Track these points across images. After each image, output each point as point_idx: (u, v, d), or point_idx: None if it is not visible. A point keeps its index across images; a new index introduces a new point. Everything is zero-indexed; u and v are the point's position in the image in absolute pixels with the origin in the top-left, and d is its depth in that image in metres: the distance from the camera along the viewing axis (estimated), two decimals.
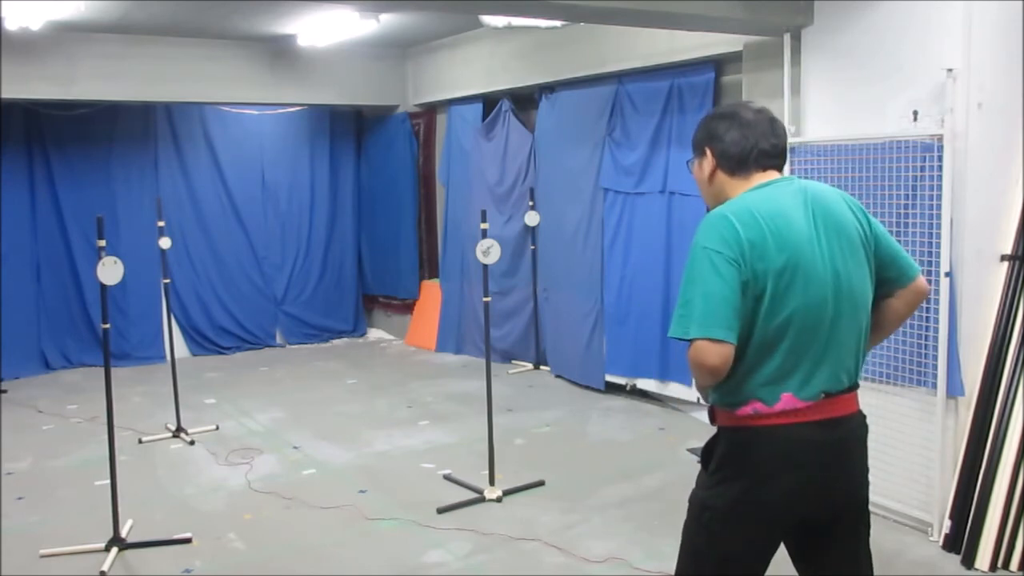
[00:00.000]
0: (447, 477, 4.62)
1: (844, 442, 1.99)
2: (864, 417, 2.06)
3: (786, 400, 1.92)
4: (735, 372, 1.91)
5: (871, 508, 2.15)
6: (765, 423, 1.92)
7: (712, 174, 2.08)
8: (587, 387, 6.37)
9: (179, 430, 5.48)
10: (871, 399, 2.16)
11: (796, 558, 2.13)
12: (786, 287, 1.89)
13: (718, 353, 1.83)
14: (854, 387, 2.02)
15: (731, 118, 2.06)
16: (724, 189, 2.06)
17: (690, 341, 1.85)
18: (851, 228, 2.00)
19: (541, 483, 4.49)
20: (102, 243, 3.86)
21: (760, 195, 1.98)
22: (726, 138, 2.04)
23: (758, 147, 2.02)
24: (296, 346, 8.45)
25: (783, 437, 1.92)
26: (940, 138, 3.59)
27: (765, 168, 2.05)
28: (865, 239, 2.02)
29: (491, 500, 4.28)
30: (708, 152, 2.07)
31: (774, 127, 2.06)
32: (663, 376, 5.82)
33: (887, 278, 2.08)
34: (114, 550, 3.77)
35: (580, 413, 5.85)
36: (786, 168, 2.15)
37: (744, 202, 1.96)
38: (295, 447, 5.27)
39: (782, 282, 1.89)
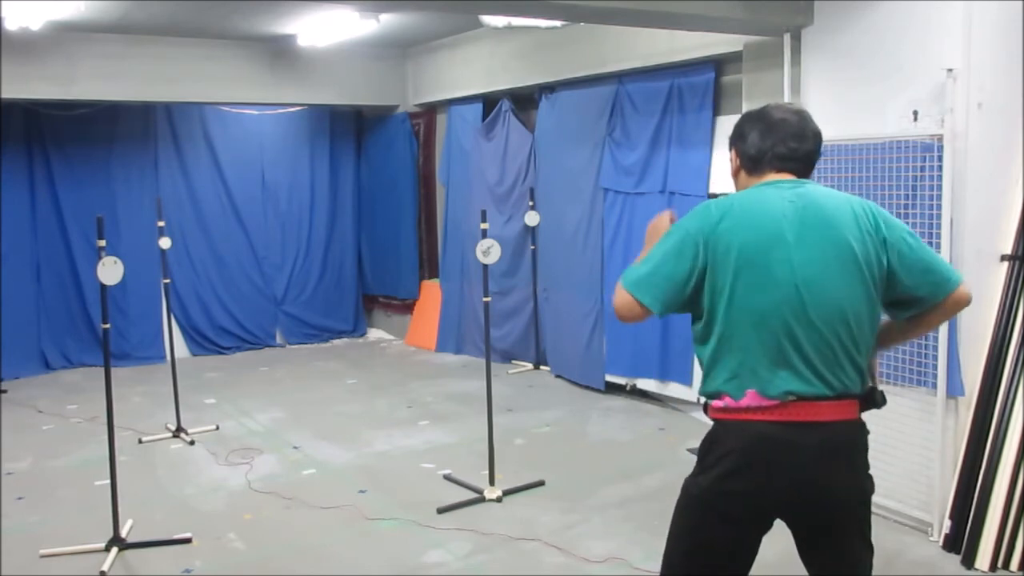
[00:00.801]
0: (447, 477, 4.62)
1: (824, 447, 1.95)
2: (860, 426, 2.03)
3: (751, 396, 1.96)
4: (705, 363, 2.03)
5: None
6: (735, 417, 1.98)
7: (736, 171, 2.19)
8: (587, 387, 6.37)
9: (179, 430, 5.48)
10: None
11: (802, 560, 2.14)
12: (745, 284, 1.95)
13: (632, 310, 2.01)
14: (844, 395, 1.97)
15: (758, 119, 2.13)
16: (744, 185, 2.16)
17: (623, 286, 2.02)
18: (847, 238, 1.97)
19: (541, 483, 4.49)
20: (102, 243, 3.86)
21: (752, 193, 2.06)
22: (748, 139, 2.12)
23: (773, 150, 2.08)
24: (296, 346, 8.45)
25: (750, 432, 1.96)
26: (940, 138, 3.59)
27: (780, 170, 2.09)
28: (870, 251, 1.99)
29: (491, 500, 4.28)
30: (734, 150, 2.18)
31: (803, 130, 2.09)
32: (663, 376, 5.82)
33: (918, 297, 2.04)
34: (114, 550, 3.78)
35: (580, 413, 5.86)
36: None
37: (733, 197, 2.07)
38: (295, 447, 5.27)
39: (740, 279, 1.95)
